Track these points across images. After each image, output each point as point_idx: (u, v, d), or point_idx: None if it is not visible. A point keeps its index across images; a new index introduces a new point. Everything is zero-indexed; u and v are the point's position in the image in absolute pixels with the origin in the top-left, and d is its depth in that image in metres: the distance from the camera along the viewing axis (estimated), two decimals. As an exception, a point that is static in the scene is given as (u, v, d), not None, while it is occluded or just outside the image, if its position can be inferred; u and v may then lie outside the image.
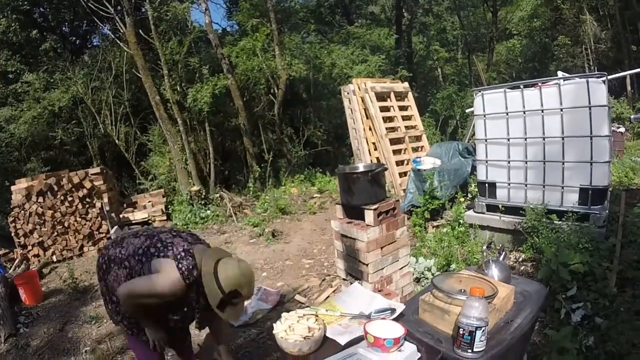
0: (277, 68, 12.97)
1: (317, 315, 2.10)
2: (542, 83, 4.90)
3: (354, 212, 3.26)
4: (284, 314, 2.11)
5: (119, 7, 11.19)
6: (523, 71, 21.17)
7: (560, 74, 7.24)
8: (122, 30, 11.34)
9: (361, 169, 3.39)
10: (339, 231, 3.32)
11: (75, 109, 13.01)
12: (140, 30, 11.46)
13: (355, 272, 3.21)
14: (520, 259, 4.64)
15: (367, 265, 3.02)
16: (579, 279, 3.55)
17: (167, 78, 11.39)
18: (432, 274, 4.22)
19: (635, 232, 4.23)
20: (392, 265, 3.20)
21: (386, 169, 3.46)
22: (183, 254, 2.30)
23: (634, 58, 17.34)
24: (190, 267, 2.26)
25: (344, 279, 3.39)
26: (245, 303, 4.36)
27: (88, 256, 7.80)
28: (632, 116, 13.24)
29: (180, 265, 2.26)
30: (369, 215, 3.07)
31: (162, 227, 2.76)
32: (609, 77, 6.71)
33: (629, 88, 16.03)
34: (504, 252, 2.74)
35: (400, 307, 2.15)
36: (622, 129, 11.09)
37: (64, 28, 15.54)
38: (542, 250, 3.96)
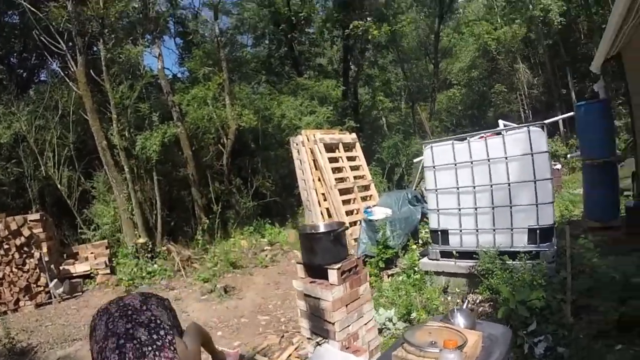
0: (227, 118, 13.03)
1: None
2: (487, 134, 5.21)
3: (316, 271, 3.26)
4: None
5: (70, 44, 10.90)
6: (463, 118, 22.40)
7: (501, 123, 7.67)
8: (72, 69, 10.98)
9: (322, 228, 3.42)
10: (302, 291, 3.28)
11: (17, 147, 12.22)
12: (91, 70, 11.14)
13: (320, 330, 3.15)
14: (478, 300, 4.75)
15: (333, 324, 2.98)
16: (537, 314, 3.66)
17: (116, 123, 11.06)
18: (394, 324, 4.20)
19: (582, 263, 4.56)
20: (358, 322, 3.18)
21: (347, 228, 3.49)
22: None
23: (563, 100, 19.19)
24: None
25: (308, 338, 3.30)
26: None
27: (24, 311, 7.23)
28: (569, 155, 14.42)
29: None
30: (333, 275, 3.08)
31: (139, 308, 2.36)
32: (548, 120, 7.29)
33: (561, 127, 17.38)
34: (466, 300, 2.78)
35: (373, 366, 2.11)
36: (559, 166, 12.07)
37: (12, 59, 14.98)
38: (499, 290, 4.09)
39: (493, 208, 5.12)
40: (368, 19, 14.67)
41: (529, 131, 4.83)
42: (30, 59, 15.21)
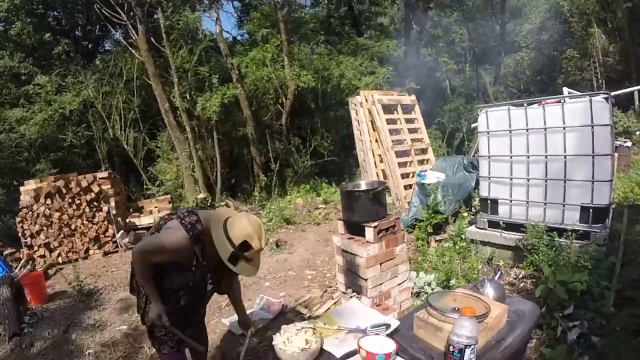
0: (285, 78, 13.09)
1: (314, 329, 2.18)
2: (546, 101, 4.96)
3: (355, 229, 3.33)
4: (283, 327, 2.20)
5: (131, 14, 11.38)
6: (531, 84, 21.10)
7: (565, 90, 7.24)
8: (133, 37, 11.54)
9: (363, 186, 3.46)
10: (340, 246, 3.39)
11: (86, 112, 13.18)
12: (151, 38, 11.66)
13: (355, 286, 3.27)
14: (521, 276, 4.65)
15: (366, 280, 3.08)
16: (576, 298, 3.55)
17: (177, 86, 11.56)
18: (432, 289, 4.24)
19: (636, 251, 4.27)
20: (391, 281, 3.26)
21: (387, 187, 3.53)
22: (186, 213, 2.47)
23: (642, 70, 17.28)
24: (194, 221, 2.40)
25: (343, 292, 3.45)
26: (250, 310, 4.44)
27: (93, 259, 7.97)
28: (638, 132, 13.20)
29: (183, 222, 2.39)
30: (369, 232, 3.14)
31: None
32: (617, 92, 6.72)
33: (636, 102, 15.96)
34: (499, 272, 2.80)
35: (395, 323, 2.23)
36: (629, 143, 11.01)
37: (76, 32, 15.84)
38: (541, 267, 3.99)
39: (546, 180, 4.86)
40: (430, -26, 14.08)
41: (590, 101, 4.44)
42: (94, 31, 16.07)
